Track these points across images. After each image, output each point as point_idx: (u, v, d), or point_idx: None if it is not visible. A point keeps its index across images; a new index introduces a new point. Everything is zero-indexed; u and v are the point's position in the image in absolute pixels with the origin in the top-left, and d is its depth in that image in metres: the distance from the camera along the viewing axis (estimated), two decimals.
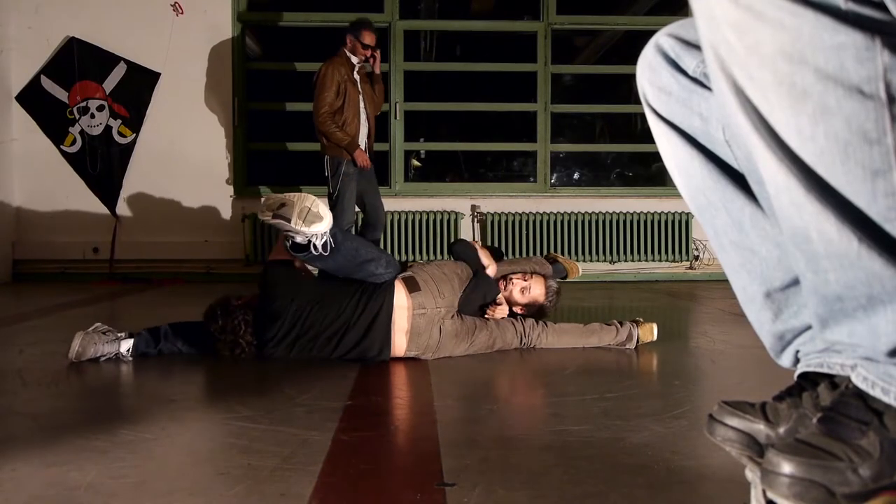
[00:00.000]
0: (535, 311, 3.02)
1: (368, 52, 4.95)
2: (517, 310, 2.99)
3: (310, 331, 2.52)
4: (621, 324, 2.90)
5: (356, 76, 4.96)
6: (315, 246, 2.49)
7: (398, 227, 6.24)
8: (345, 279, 2.63)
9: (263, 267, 2.78)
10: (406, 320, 2.56)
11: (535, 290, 2.99)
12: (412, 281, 2.64)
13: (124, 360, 2.56)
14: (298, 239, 2.48)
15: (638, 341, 2.86)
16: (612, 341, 2.86)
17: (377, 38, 5.01)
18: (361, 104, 4.96)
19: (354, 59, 4.95)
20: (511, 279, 3.00)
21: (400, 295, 2.58)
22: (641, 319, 2.94)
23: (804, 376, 0.99)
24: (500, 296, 2.90)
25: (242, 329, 2.52)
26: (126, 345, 2.59)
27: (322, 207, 2.46)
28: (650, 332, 2.89)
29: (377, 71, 5.08)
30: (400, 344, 2.57)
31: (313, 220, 2.43)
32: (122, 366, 2.51)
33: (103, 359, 2.54)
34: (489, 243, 6.29)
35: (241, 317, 2.53)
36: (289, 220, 2.41)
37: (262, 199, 2.49)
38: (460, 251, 3.00)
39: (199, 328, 2.63)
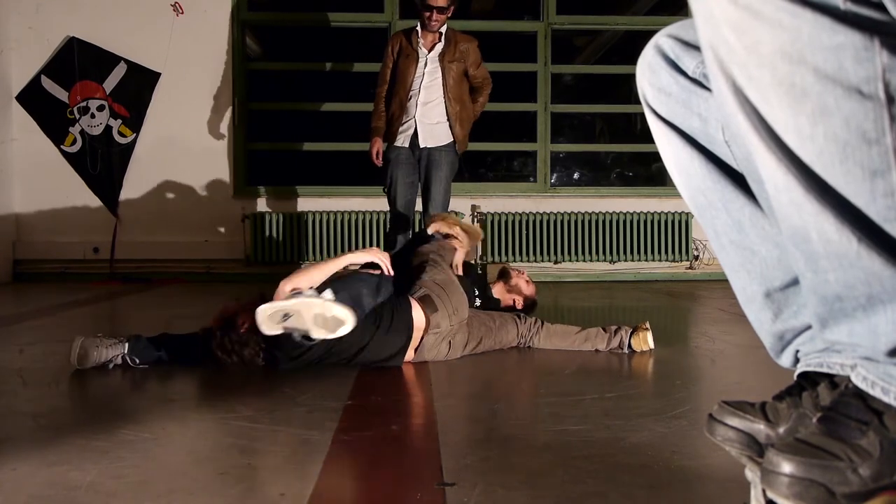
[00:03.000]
0: (531, 303, 3.22)
1: (432, 16, 4.20)
2: (517, 302, 3.05)
3: (325, 356, 2.44)
4: (616, 331, 2.83)
5: (421, 48, 4.33)
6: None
7: None
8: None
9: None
10: (418, 340, 2.54)
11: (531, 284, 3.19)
12: (428, 300, 2.57)
13: (133, 366, 2.44)
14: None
15: (631, 350, 2.77)
16: (604, 347, 2.81)
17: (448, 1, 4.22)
18: (419, 80, 4.34)
19: (420, 30, 4.33)
20: (519, 272, 3.18)
21: (418, 316, 2.52)
22: (647, 326, 2.82)
23: (804, 376, 0.99)
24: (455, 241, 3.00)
25: (254, 351, 2.40)
26: (128, 346, 2.46)
27: (336, 307, 2.17)
28: (644, 340, 2.77)
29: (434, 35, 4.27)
30: (408, 357, 2.55)
31: (337, 326, 2.17)
32: (122, 367, 2.50)
33: (112, 365, 2.42)
34: (491, 249, 6.28)
35: (252, 342, 2.39)
36: (309, 335, 2.18)
37: (259, 313, 2.19)
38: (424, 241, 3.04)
39: (198, 342, 2.52)
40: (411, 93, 4.35)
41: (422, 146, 4.40)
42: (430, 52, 4.34)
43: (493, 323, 2.79)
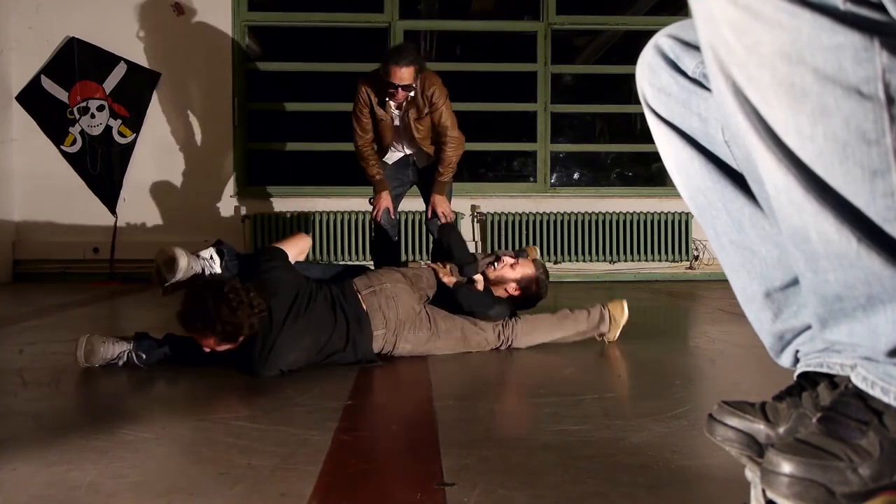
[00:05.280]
0: (531, 290, 3.02)
1: (397, 93, 3.89)
2: (511, 289, 2.99)
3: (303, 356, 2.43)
4: (593, 307, 2.87)
5: (393, 110, 4.05)
6: (209, 266, 2.76)
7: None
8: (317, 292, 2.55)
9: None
10: (373, 304, 2.59)
11: (525, 267, 3.02)
12: (361, 276, 2.74)
13: (139, 364, 2.44)
14: (196, 268, 2.72)
15: (611, 321, 2.81)
16: (587, 326, 2.82)
17: (415, 76, 3.86)
18: (397, 135, 4.15)
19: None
20: (501, 259, 3.06)
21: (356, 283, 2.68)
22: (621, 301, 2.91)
23: (804, 376, 0.99)
24: (477, 275, 2.97)
25: (256, 304, 2.33)
26: (133, 344, 2.48)
27: (176, 250, 2.66)
28: (620, 308, 2.82)
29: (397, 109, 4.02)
30: (387, 334, 2.56)
31: (172, 263, 2.64)
32: (122, 366, 2.50)
33: (120, 363, 2.43)
34: (490, 248, 6.28)
35: (247, 294, 2.34)
36: (175, 272, 2.63)
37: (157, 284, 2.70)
38: (453, 242, 3.11)
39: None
40: (393, 146, 4.20)
41: (420, 167, 4.28)
42: (398, 110, 4.05)
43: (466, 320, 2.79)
